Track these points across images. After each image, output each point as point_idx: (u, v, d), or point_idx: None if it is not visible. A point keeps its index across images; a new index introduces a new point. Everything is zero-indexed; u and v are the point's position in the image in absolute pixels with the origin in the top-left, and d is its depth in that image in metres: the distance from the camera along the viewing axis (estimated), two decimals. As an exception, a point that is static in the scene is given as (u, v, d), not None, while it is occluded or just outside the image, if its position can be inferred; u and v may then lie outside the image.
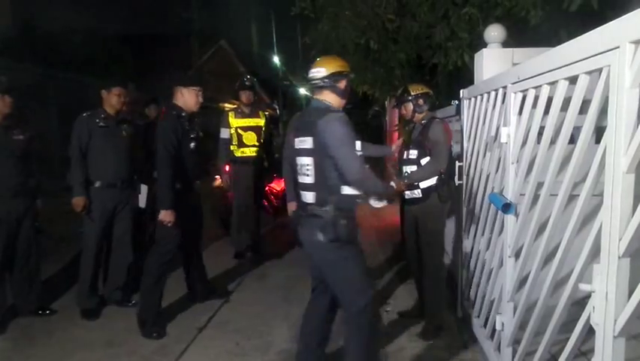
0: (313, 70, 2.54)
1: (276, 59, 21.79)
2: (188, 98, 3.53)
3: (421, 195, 3.26)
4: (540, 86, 2.12)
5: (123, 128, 3.83)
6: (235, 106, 5.34)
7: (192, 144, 3.54)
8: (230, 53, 18.28)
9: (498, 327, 2.58)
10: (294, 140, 2.56)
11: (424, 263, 3.33)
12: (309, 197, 2.51)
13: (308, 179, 2.49)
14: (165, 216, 3.31)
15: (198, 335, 3.43)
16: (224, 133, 5.12)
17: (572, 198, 1.86)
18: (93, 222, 3.71)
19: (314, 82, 2.52)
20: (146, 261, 3.50)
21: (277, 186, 6.79)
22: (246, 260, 5.17)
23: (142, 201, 4.03)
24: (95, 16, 12.84)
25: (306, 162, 2.48)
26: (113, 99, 3.74)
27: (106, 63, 10.86)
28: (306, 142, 2.47)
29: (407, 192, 3.30)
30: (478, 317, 3.09)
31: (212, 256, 5.36)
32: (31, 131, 3.65)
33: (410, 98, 3.34)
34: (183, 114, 3.51)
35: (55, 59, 9.30)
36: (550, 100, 2.05)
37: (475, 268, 3.22)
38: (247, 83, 5.18)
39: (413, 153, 3.29)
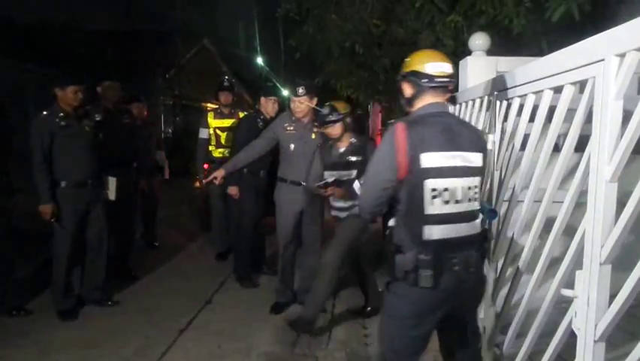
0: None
1: (259, 60, 21.70)
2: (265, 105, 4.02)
3: None
4: (525, 94, 2.17)
5: (85, 124, 3.73)
6: (217, 106, 5.31)
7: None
8: (213, 53, 18.16)
9: (480, 331, 2.62)
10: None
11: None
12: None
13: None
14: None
15: (179, 337, 3.39)
16: (202, 133, 5.11)
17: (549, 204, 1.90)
18: (64, 225, 3.56)
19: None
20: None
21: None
22: (227, 262, 5.12)
23: (112, 194, 3.97)
24: (77, 13, 12.61)
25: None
26: (69, 97, 3.57)
27: (87, 59, 10.64)
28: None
29: None
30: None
31: (193, 257, 5.34)
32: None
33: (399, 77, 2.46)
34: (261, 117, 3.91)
35: (34, 55, 9.09)
36: (535, 108, 2.11)
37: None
38: (226, 84, 5.22)
39: None
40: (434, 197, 1.82)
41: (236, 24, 22.37)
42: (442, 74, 1.95)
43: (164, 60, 13.40)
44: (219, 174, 3.65)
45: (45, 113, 3.56)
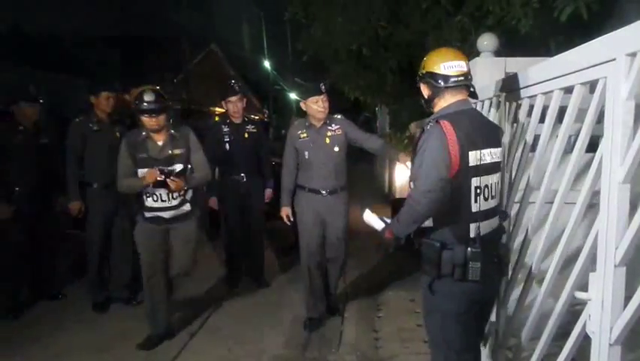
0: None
1: (266, 64, 21.79)
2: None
3: None
4: (535, 95, 2.15)
5: (117, 130, 3.85)
6: (224, 111, 5.31)
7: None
8: (220, 57, 18.24)
9: (491, 333, 2.60)
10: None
11: None
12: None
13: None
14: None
15: (190, 341, 3.41)
16: None
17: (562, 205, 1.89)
18: (94, 223, 3.84)
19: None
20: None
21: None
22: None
23: None
24: (84, 19, 12.75)
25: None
26: (102, 103, 3.81)
27: (94, 65, 10.76)
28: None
29: None
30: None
31: (203, 261, 5.35)
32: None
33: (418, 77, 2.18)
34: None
35: (43, 61, 9.21)
36: (544, 109, 2.09)
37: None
38: (234, 88, 5.19)
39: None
40: (477, 194, 1.87)
41: (243, 28, 22.51)
42: (457, 73, 1.96)
43: (172, 65, 13.50)
44: (286, 212, 3.61)
45: (81, 117, 3.83)
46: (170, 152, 3.17)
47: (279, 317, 3.84)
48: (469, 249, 1.85)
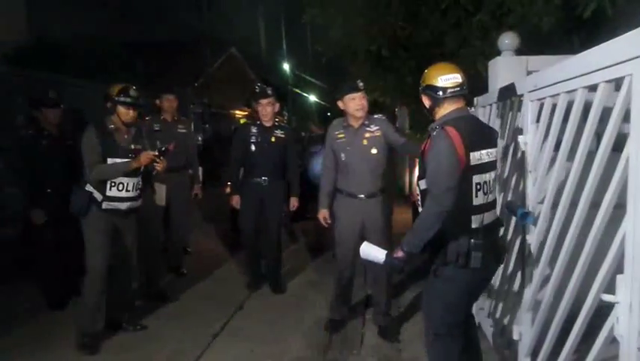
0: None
1: (286, 66, 21.91)
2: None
3: None
4: (558, 94, 2.11)
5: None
6: (247, 113, 5.37)
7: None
8: (240, 60, 18.40)
9: (515, 337, 2.56)
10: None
11: None
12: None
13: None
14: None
15: (213, 342, 3.44)
16: None
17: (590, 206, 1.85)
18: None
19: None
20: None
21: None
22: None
23: (160, 200, 4.25)
24: (106, 24, 13.03)
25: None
26: (165, 105, 4.10)
27: (116, 70, 10.96)
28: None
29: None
30: (494, 325, 3.07)
31: (225, 263, 5.40)
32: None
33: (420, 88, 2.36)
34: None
35: (67, 66, 9.43)
36: (568, 108, 2.05)
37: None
38: (259, 91, 5.21)
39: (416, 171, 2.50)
40: (477, 190, 2.11)
41: (262, 32, 22.67)
42: (454, 85, 2.21)
43: (193, 69, 13.68)
44: (324, 214, 3.55)
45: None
46: (132, 146, 3.34)
47: (300, 318, 3.84)
48: (471, 240, 2.08)
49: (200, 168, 5.19)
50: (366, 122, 3.36)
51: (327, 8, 5.91)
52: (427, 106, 2.32)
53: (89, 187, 3.23)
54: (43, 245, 3.90)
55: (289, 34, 21.49)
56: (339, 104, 3.40)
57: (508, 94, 2.81)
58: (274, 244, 4.43)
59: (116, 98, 3.26)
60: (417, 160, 3.26)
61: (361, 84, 3.33)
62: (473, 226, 2.10)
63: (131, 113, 3.30)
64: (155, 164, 3.34)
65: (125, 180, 3.26)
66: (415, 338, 3.40)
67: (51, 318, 3.80)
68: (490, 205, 2.20)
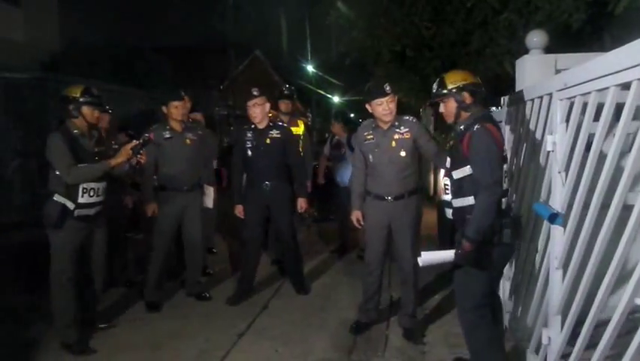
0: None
1: (309, 68, 21.99)
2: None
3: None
4: (589, 92, 2.06)
5: (187, 137, 4.09)
6: (270, 115, 5.40)
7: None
8: (265, 63, 18.57)
9: (544, 341, 2.51)
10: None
11: None
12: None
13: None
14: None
15: (238, 341, 3.48)
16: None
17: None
18: (164, 225, 4.04)
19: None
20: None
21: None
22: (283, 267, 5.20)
23: (209, 201, 4.37)
24: (135, 30, 13.35)
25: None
26: (170, 112, 4.03)
27: (145, 74, 11.22)
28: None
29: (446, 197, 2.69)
30: (522, 329, 3.01)
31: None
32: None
33: (447, 92, 2.56)
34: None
35: (99, 72, 9.71)
36: (599, 107, 2.00)
37: (518, 279, 3.14)
38: (286, 93, 5.25)
39: (448, 161, 2.66)
40: (505, 177, 2.46)
41: (286, 33, 22.82)
42: (480, 87, 2.56)
43: (218, 72, 13.88)
44: (357, 215, 3.49)
45: (156, 126, 4.08)
46: (96, 149, 3.33)
47: (325, 319, 3.85)
48: (502, 219, 2.41)
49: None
50: (396, 124, 3.32)
51: (350, 9, 5.92)
52: (454, 109, 2.54)
53: (58, 198, 3.12)
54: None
55: (313, 36, 21.55)
56: (368, 107, 3.35)
57: (537, 93, 2.76)
58: (291, 246, 4.33)
59: (81, 99, 3.18)
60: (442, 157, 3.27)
61: (388, 88, 3.24)
62: (503, 207, 2.45)
63: (96, 113, 3.26)
64: (138, 157, 3.34)
65: (95, 185, 3.21)
66: (440, 340, 3.37)
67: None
68: (507, 190, 2.56)
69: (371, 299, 3.58)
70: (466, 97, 2.50)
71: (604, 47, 3.53)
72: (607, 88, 1.90)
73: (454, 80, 2.53)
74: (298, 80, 20.98)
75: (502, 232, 2.39)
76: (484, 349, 2.52)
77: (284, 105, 5.17)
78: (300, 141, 5.20)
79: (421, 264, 2.55)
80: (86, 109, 3.20)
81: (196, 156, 4.13)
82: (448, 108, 2.58)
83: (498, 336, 2.65)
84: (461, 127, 2.53)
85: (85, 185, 3.17)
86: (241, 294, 4.23)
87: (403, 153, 3.30)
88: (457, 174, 2.51)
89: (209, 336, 3.53)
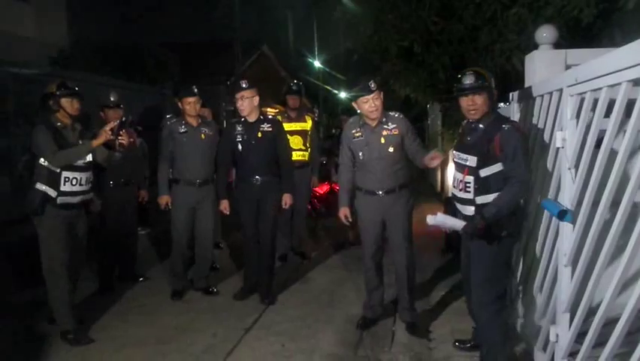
0: None
1: (316, 64, 21.94)
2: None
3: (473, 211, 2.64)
4: (600, 88, 2.04)
5: (202, 131, 4.15)
6: (277, 110, 5.40)
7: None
8: (272, 59, 18.53)
9: (552, 338, 2.50)
10: None
11: None
12: None
13: None
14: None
15: (244, 336, 3.50)
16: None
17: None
18: (180, 216, 4.15)
19: None
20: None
21: (320, 189, 6.81)
22: (289, 263, 5.21)
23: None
24: (143, 26, 13.39)
25: None
26: (185, 107, 4.10)
27: (153, 70, 11.24)
28: None
29: (456, 192, 2.73)
30: (529, 326, 3.00)
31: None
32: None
33: (487, 85, 2.58)
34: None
35: (107, 67, 9.74)
36: (610, 103, 1.98)
37: (526, 276, 3.12)
38: (294, 88, 5.26)
39: (470, 160, 2.61)
40: None
41: (293, 29, 22.78)
42: None
43: (225, 68, 13.89)
44: (344, 212, 3.54)
45: (172, 120, 4.17)
46: (80, 142, 3.40)
47: (331, 314, 3.86)
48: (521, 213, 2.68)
49: None
50: (384, 120, 3.36)
51: (357, 4, 5.89)
52: (488, 103, 2.60)
53: (40, 186, 3.22)
54: (107, 233, 4.28)
55: (320, 32, 21.50)
56: (354, 105, 3.41)
57: (546, 89, 2.74)
58: (268, 248, 4.10)
59: (58, 93, 3.31)
60: (452, 154, 3.26)
61: (373, 85, 3.26)
62: (521, 203, 2.67)
63: (75, 103, 3.35)
64: (118, 139, 3.42)
65: (77, 174, 3.30)
66: (447, 337, 3.36)
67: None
68: None
69: (373, 295, 3.60)
70: (495, 94, 2.63)
71: (615, 43, 3.47)
72: (618, 84, 1.87)
73: (488, 78, 2.61)
74: (305, 76, 20.97)
75: (521, 225, 2.69)
76: (499, 344, 2.64)
77: (292, 101, 5.18)
78: (308, 137, 5.22)
79: (429, 223, 2.65)
80: (64, 101, 3.32)
81: (210, 151, 4.16)
82: (481, 102, 2.57)
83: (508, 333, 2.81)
84: (480, 125, 2.62)
85: (67, 174, 3.26)
86: (246, 290, 4.22)
87: (391, 149, 3.35)
88: (485, 172, 2.54)
89: (217, 331, 3.56)
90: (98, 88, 5.54)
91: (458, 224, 2.59)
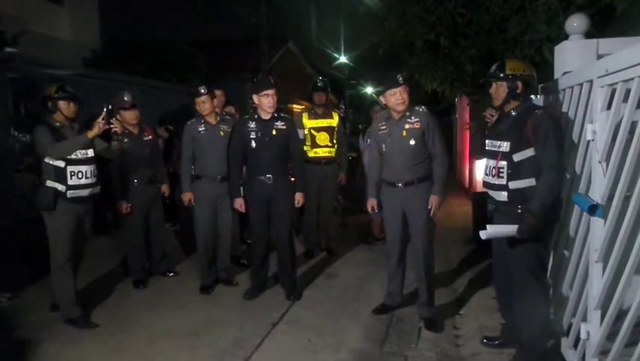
0: None
1: (342, 59, 21.89)
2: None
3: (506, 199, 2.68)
4: (632, 79, 1.98)
5: (221, 129, 4.23)
6: (304, 107, 5.43)
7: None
8: (297, 55, 18.56)
9: (583, 336, 2.44)
10: None
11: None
12: None
13: None
14: None
15: (272, 330, 3.54)
16: (299, 134, 5.12)
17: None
18: (203, 212, 4.24)
19: None
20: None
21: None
22: (316, 259, 5.25)
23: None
24: (170, 25, 13.63)
25: None
26: (199, 106, 4.17)
27: (181, 68, 11.43)
28: None
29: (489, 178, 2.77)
30: (559, 323, 2.93)
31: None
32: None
33: (504, 76, 2.68)
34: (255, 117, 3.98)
35: (138, 67, 9.99)
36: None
37: (556, 271, 3.06)
38: (320, 85, 5.27)
39: (503, 145, 2.65)
40: None
41: (318, 25, 22.75)
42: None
43: (252, 65, 14.00)
44: (371, 203, 3.71)
45: (193, 120, 4.27)
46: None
47: (357, 310, 3.87)
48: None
49: None
50: (407, 114, 3.44)
51: (383, -1, 5.84)
52: (518, 92, 2.65)
53: (50, 183, 3.40)
54: (132, 230, 4.39)
55: (346, 27, 21.42)
56: (382, 99, 3.48)
57: (576, 80, 2.66)
58: (285, 247, 4.09)
59: (55, 96, 3.48)
60: (475, 148, 3.25)
61: (401, 78, 3.35)
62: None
63: (72, 106, 3.52)
64: (111, 127, 3.59)
65: (82, 167, 3.45)
66: (475, 333, 3.33)
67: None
68: None
69: (392, 282, 3.72)
70: (519, 86, 2.65)
71: (649, 31, 3.34)
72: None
73: (513, 68, 2.68)
74: (331, 72, 20.94)
75: (559, 210, 2.64)
76: (540, 337, 2.68)
77: (318, 97, 5.20)
78: (335, 133, 5.22)
79: (483, 237, 2.65)
80: (61, 103, 3.50)
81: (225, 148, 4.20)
82: (499, 91, 2.71)
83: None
84: (513, 113, 2.71)
85: (72, 168, 3.41)
86: (255, 288, 4.17)
87: (412, 142, 3.42)
88: (518, 157, 2.59)
89: (244, 325, 3.61)
90: (129, 87, 5.69)
91: (510, 229, 2.58)
